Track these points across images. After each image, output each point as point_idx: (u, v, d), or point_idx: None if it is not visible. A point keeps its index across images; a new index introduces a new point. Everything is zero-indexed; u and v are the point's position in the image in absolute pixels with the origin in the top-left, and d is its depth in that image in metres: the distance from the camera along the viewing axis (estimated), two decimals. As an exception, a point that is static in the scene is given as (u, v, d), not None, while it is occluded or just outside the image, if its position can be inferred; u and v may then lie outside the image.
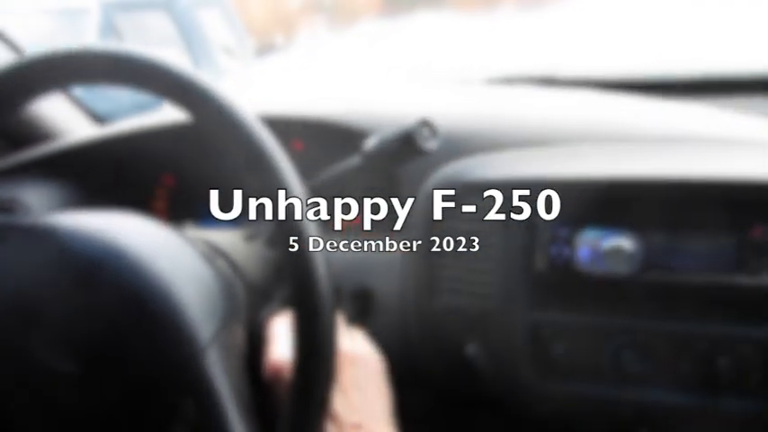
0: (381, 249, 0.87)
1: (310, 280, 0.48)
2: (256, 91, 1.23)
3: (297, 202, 0.49)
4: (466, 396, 0.87)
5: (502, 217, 0.72)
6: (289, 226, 0.48)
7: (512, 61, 1.34)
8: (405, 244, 0.84)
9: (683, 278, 0.68)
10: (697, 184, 0.67)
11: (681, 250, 0.68)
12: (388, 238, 0.88)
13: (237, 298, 0.67)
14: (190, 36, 4.40)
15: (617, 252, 0.68)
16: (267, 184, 0.50)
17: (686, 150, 0.72)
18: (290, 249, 0.48)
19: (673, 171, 0.68)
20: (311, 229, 0.49)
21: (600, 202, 0.69)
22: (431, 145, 0.65)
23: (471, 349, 0.77)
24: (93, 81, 0.55)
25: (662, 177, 0.67)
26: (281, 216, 0.49)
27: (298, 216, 0.49)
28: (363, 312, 0.85)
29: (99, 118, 1.16)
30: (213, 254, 0.69)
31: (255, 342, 0.72)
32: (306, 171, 0.51)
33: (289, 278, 0.48)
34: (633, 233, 0.68)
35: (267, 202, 0.49)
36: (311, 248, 0.48)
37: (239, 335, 0.65)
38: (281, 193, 0.49)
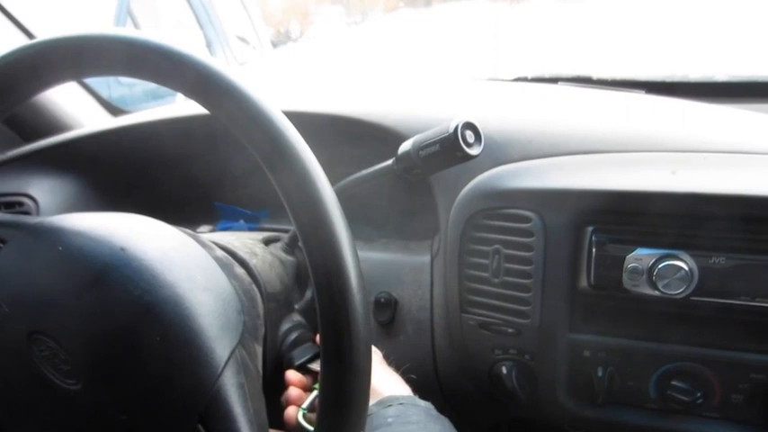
0: (408, 256, 0.81)
1: (347, 328, 0.42)
2: (277, 84, 1.17)
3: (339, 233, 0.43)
4: (493, 415, 0.82)
5: (544, 230, 0.66)
6: (324, 253, 0.42)
7: (544, 56, 1.27)
8: (436, 254, 0.79)
9: (741, 303, 0.62)
10: (759, 202, 0.61)
11: (739, 273, 0.62)
12: (417, 247, 0.83)
13: (256, 310, 0.62)
14: (205, 24, 4.35)
15: (671, 273, 0.62)
16: (293, 187, 0.44)
17: (749, 164, 0.66)
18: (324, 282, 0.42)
19: (735, 187, 0.62)
20: (353, 271, 0.43)
21: (654, 218, 0.63)
22: (475, 150, 0.60)
23: (503, 368, 0.72)
24: (107, 72, 0.50)
25: (722, 193, 0.61)
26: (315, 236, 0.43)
27: (336, 243, 0.42)
28: (386, 323, 0.80)
29: (112, 107, 1.11)
30: (230, 261, 0.64)
31: (276, 356, 0.67)
32: (331, 171, 0.44)
33: (322, 318, 0.43)
34: (689, 253, 0.62)
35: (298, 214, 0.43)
36: (352, 290, 0.42)
37: (257, 352, 0.59)
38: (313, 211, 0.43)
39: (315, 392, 0.63)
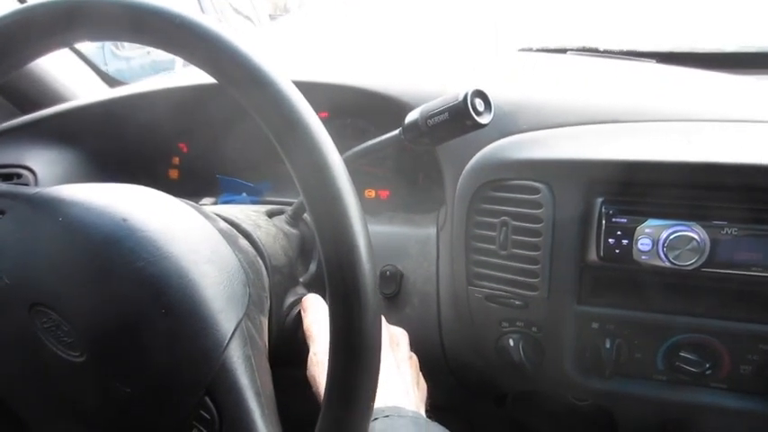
0: (414, 229, 0.80)
1: (354, 273, 0.41)
2: (276, 56, 1.15)
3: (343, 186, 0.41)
4: (499, 387, 0.82)
5: (553, 202, 0.65)
6: (331, 211, 0.41)
7: (549, 27, 1.24)
8: (442, 226, 0.78)
9: (753, 274, 0.61)
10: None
11: (751, 244, 0.61)
12: (423, 220, 0.82)
13: (261, 283, 0.61)
14: (201, -5, 4.28)
15: (682, 244, 0.61)
16: (303, 156, 0.42)
17: (763, 133, 0.64)
18: (333, 237, 0.41)
19: (747, 156, 0.60)
20: (358, 218, 0.41)
21: (665, 189, 0.62)
22: (485, 119, 0.58)
23: (510, 340, 0.71)
24: (105, 36, 0.48)
25: (735, 163, 0.60)
26: (322, 201, 0.41)
27: (343, 204, 0.41)
28: (392, 296, 0.79)
29: (109, 78, 1.09)
30: (234, 233, 0.63)
31: (282, 329, 0.66)
32: (335, 144, 0.42)
33: (329, 271, 0.41)
34: (700, 224, 0.61)
35: (304, 179, 0.42)
36: (357, 240, 0.41)
37: (263, 324, 0.59)
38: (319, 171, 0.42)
39: None
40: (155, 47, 0.45)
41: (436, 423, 0.54)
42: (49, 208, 0.54)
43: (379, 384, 0.44)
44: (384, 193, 0.90)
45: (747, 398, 0.66)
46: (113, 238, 0.51)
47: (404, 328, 0.68)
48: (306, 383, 0.64)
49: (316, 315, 0.63)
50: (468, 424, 0.91)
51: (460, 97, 0.57)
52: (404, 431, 0.50)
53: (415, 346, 0.67)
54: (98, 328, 0.51)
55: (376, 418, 0.51)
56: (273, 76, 0.42)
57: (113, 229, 0.51)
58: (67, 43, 0.49)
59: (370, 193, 0.90)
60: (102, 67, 1.12)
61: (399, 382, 0.59)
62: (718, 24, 1.14)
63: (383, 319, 0.65)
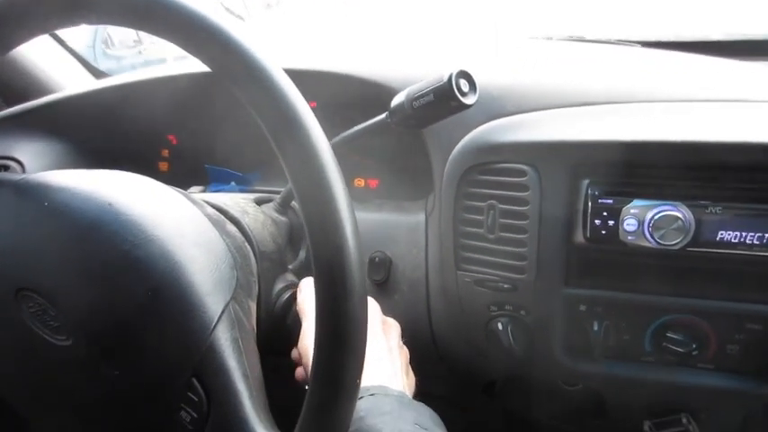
0: (403, 216, 0.81)
1: (340, 255, 0.41)
2: (265, 45, 1.15)
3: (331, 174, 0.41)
4: (488, 373, 0.82)
5: (540, 184, 0.66)
6: (319, 197, 0.41)
7: (534, 17, 1.25)
8: (430, 212, 0.78)
9: (737, 252, 0.62)
10: (755, 149, 0.60)
11: (736, 223, 0.61)
12: (411, 206, 0.82)
13: (249, 268, 0.61)
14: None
15: (667, 224, 0.61)
16: (292, 143, 0.42)
17: (747, 112, 0.65)
18: (320, 222, 0.41)
19: (731, 135, 0.61)
20: (344, 201, 0.42)
21: (650, 169, 0.62)
22: (470, 99, 0.58)
23: (499, 324, 0.71)
24: (102, 20, 0.47)
25: (719, 141, 0.60)
26: (311, 187, 0.41)
27: (330, 190, 0.41)
28: (381, 282, 0.79)
29: (96, 70, 1.09)
30: (222, 218, 0.63)
31: (270, 315, 0.66)
32: (326, 130, 0.43)
33: (315, 254, 0.41)
34: (685, 204, 0.61)
35: (293, 167, 0.42)
36: (345, 225, 0.41)
37: (251, 308, 0.59)
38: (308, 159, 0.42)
39: None
40: (152, 33, 0.45)
41: (422, 403, 0.54)
42: (35, 193, 0.54)
43: (368, 365, 0.44)
44: (373, 182, 0.90)
45: (734, 377, 0.66)
46: (99, 222, 0.51)
47: (393, 314, 0.69)
48: (293, 369, 0.64)
49: (309, 293, 0.63)
50: (458, 411, 0.91)
51: (445, 78, 0.57)
52: (388, 408, 0.50)
53: (404, 333, 0.67)
54: (84, 312, 0.51)
55: (362, 397, 0.51)
56: (265, 64, 0.42)
57: (99, 213, 0.51)
58: (62, 26, 0.49)
59: (360, 182, 0.90)
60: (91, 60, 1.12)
61: (389, 365, 0.59)
62: (705, 12, 1.15)
63: (378, 307, 0.66)
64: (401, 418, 0.50)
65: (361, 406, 0.50)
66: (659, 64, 0.83)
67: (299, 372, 0.63)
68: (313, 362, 0.43)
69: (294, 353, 0.64)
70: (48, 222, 0.52)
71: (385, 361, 0.59)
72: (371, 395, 0.52)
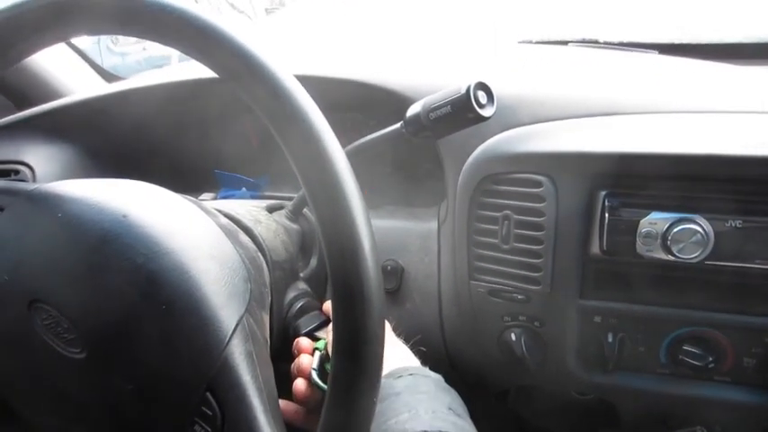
0: (415, 223, 0.80)
1: (358, 272, 0.40)
2: (275, 50, 1.14)
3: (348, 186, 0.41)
4: (501, 382, 0.81)
5: (556, 195, 0.65)
6: (334, 210, 0.41)
7: (547, 19, 1.24)
8: (443, 220, 0.77)
9: (757, 267, 0.61)
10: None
11: (756, 236, 0.61)
12: (424, 214, 0.81)
13: (262, 278, 0.61)
14: (197, -10, 4.25)
15: (686, 237, 0.60)
16: (305, 150, 0.41)
17: (766, 124, 0.64)
18: (336, 238, 0.40)
19: (753, 148, 0.60)
20: (363, 220, 0.41)
21: (669, 181, 0.61)
22: (488, 111, 0.57)
23: (512, 335, 0.71)
24: (102, 29, 0.47)
25: (740, 155, 0.59)
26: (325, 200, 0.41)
27: (346, 204, 0.41)
28: (393, 291, 0.79)
29: (107, 74, 1.08)
30: (235, 228, 0.62)
31: (282, 324, 0.66)
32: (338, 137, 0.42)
33: (332, 268, 0.41)
34: (704, 216, 0.61)
35: (306, 175, 0.41)
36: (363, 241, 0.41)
37: (265, 320, 0.58)
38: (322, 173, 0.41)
39: (318, 353, 0.63)
40: (153, 40, 0.44)
41: (455, 392, 0.55)
42: (48, 204, 0.54)
43: (402, 355, 0.43)
44: (385, 188, 0.89)
45: (751, 391, 0.66)
46: (113, 234, 0.50)
47: (405, 323, 0.68)
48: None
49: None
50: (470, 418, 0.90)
51: (463, 90, 0.57)
52: (425, 389, 0.52)
53: (416, 341, 0.67)
54: (98, 325, 0.50)
55: (400, 376, 0.53)
56: (273, 68, 0.42)
57: (113, 225, 0.51)
58: (65, 37, 0.48)
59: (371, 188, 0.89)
60: (98, 61, 1.11)
61: (416, 358, 0.61)
62: (721, 15, 1.13)
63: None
64: (437, 399, 0.52)
65: (400, 384, 0.52)
66: (677, 72, 0.82)
67: (299, 387, 0.62)
68: (329, 383, 0.43)
69: (293, 366, 0.63)
70: (61, 234, 0.52)
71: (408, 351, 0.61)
72: (410, 375, 0.54)
